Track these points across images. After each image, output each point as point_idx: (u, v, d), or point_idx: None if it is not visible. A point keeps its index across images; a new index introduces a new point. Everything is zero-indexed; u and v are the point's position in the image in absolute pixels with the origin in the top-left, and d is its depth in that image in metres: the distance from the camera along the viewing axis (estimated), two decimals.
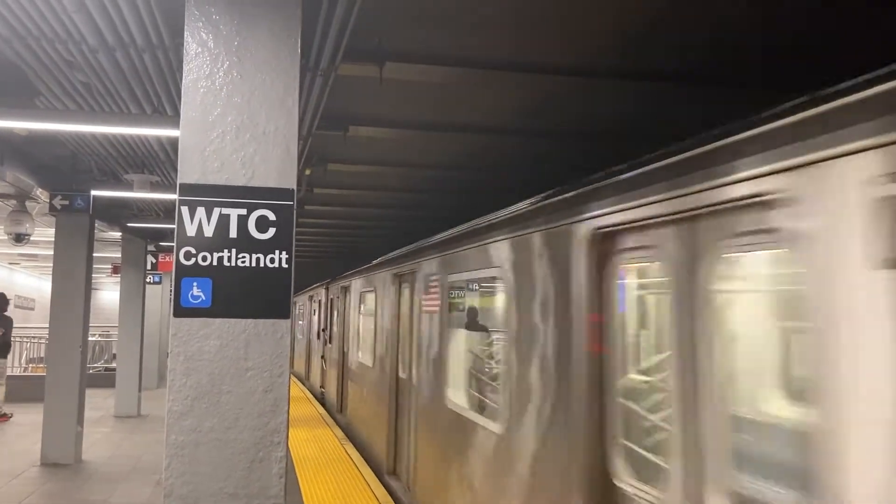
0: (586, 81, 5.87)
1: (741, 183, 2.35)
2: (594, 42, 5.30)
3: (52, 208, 9.27)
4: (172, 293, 3.29)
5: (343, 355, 12.63)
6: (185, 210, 3.27)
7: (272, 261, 3.34)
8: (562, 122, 7.38)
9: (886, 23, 4.72)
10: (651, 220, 2.93)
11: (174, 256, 3.26)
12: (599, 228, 3.32)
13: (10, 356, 13.55)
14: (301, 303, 21.57)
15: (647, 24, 4.97)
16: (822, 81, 2.26)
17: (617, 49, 5.42)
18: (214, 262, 3.28)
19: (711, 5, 4.68)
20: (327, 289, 15.42)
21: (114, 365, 16.73)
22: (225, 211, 3.31)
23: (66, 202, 9.24)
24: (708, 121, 2.84)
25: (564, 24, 5.03)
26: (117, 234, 13.91)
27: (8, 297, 12.68)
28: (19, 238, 10.61)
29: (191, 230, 3.27)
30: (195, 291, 3.25)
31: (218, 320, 3.28)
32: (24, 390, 14.05)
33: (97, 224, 10.41)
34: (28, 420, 11.87)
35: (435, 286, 6.31)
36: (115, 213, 11.91)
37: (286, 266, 3.36)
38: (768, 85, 5.68)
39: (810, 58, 5.29)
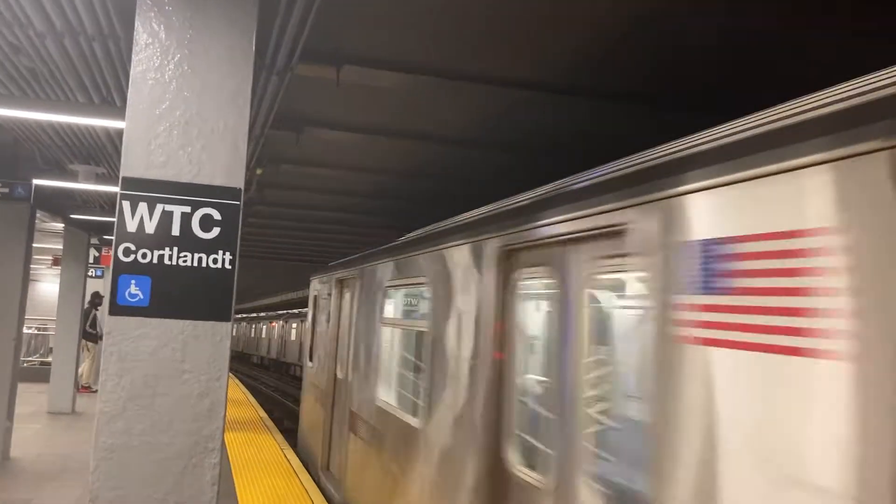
0: (545, 96, 5.91)
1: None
2: (555, 58, 5.33)
3: None
4: (109, 290, 3.18)
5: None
6: (126, 204, 3.17)
7: (215, 261, 3.25)
8: (520, 135, 7.41)
9: (849, 49, 4.85)
10: None
11: (112, 252, 3.15)
12: None
13: None
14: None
15: (609, 45, 5.02)
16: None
17: (577, 67, 5.46)
18: (155, 260, 3.18)
19: (676, 30, 4.75)
20: None
21: (49, 359, 16.22)
22: (168, 207, 3.21)
23: (6, 190, 8.91)
24: (664, 141, 2.90)
25: (527, 40, 5.04)
26: (59, 226, 13.49)
27: None
28: None
29: (131, 226, 3.17)
30: (133, 289, 3.15)
31: (155, 320, 3.18)
32: None
33: (38, 214, 10.08)
34: None
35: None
36: (59, 203, 11.54)
37: (229, 267, 3.27)
38: (723, 111, 5.78)
39: (771, 85, 5.42)
